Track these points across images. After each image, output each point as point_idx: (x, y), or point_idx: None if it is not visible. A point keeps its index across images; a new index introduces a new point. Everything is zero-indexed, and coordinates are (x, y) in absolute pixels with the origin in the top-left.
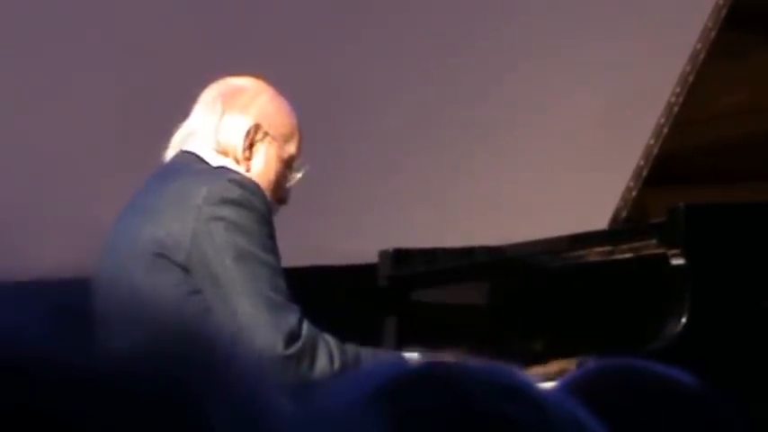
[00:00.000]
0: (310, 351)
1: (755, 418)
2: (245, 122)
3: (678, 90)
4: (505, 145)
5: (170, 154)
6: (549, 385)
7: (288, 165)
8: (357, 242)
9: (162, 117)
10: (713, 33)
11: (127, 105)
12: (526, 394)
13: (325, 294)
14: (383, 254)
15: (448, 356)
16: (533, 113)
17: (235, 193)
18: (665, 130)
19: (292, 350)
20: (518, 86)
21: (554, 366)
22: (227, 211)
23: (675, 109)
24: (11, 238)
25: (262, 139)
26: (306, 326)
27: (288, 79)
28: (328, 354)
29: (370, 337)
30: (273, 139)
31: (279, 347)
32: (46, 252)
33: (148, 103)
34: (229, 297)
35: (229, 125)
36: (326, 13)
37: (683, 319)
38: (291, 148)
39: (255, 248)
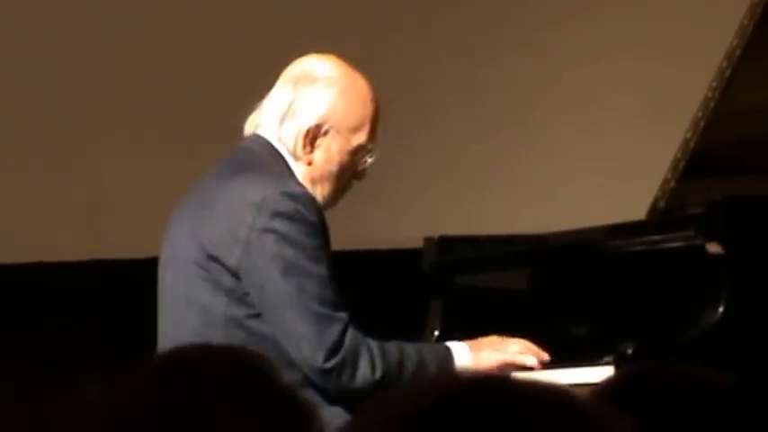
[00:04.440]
0: (351, 362)
1: None
2: (307, 120)
3: (715, 85)
4: (547, 137)
5: (247, 130)
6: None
7: (355, 153)
8: (403, 228)
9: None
10: (749, 30)
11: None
12: (570, 407)
13: (372, 278)
14: (428, 241)
15: (491, 370)
16: (575, 107)
17: (287, 206)
18: (702, 124)
19: (332, 363)
20: (560, 81)
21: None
22: (279, 224)
23: (712, 103)
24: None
25: (324, 135)
26: (349, 336)
27: None
28: (370, 362)
29: (417, 320)
30: (338, 132)
31: (319, 361)
32: (113, 235)
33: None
34: (276, 309)
35: (293, 120)
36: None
37: (720, 309)
38: (360, 138)
39: (304, 261)
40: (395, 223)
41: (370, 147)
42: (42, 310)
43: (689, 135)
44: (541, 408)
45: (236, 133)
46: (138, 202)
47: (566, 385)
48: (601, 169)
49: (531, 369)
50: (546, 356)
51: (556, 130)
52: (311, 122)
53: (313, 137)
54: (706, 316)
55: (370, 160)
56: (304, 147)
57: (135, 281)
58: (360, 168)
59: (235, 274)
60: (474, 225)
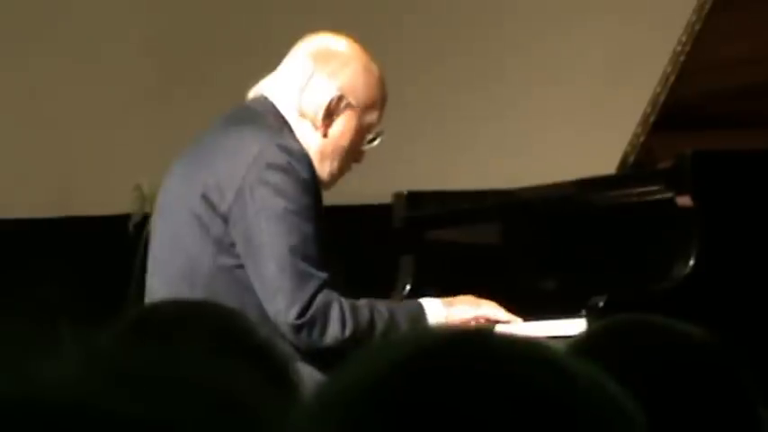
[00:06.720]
0: (321, 319)
1: (759, 360)
2: (330, 91)
3: (684, 39)
4: (518, 90)
5: (250, 96)
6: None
7: (365, 132)
8: (372, 184)
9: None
10: None
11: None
12: (552, 362)
13: (342, 233)
14: (398, 196)
15: (473, 324)
16: (545, 60)
17: (282, 159)
18: (672, 78)
19: (303, 320)
20: (530, 38)
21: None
22: (272, 176)
23: (681, 57)
24: (70, 180)
25: (343, 110)
26: (322, 295)
27: (305, 31)
28: (340, 320)
29: (388, 276)
30: (354, 109)
31: (291, 316)
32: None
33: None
34: (258, 259)
35: (314, 90)
36: None
37: (691, 261)
38: (372, 118)
39: (293, 215)
40: (364, 178)
41: (376, 128)
42: (8, 266)
43: (658, 89)
44: (521, 362)
45: (208, 92)
46: (108, 160)
47: (541, 338)
48: (571, 123)
49: (504, 323)
50: (516, 318)
51: (526, 86)
52: (334, 93)
53: (334, 109)
54: (677, 269)
55: (374, 143)
56: (324, 118)
57: (104, 237)
58: (362, 148)
59: (225, 220)
60: (444, 180)
